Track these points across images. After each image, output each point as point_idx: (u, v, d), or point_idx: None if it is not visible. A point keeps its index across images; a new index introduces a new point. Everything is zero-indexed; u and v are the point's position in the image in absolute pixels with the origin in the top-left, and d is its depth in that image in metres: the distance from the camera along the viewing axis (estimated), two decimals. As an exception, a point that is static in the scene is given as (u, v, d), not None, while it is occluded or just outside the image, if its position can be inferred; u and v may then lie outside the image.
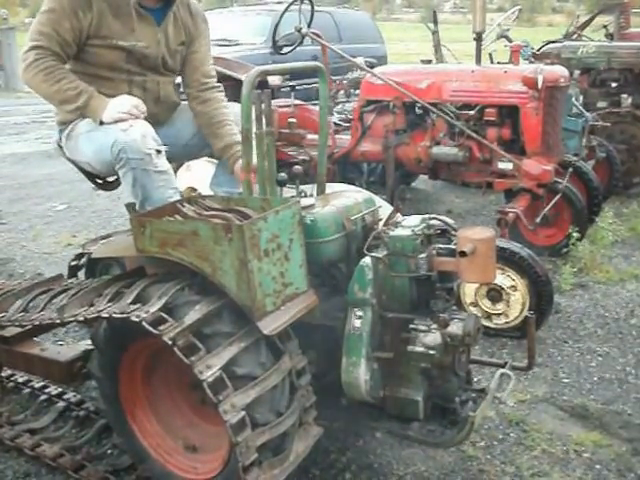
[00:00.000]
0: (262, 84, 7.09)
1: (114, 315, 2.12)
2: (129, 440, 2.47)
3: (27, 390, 3.17)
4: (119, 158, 2.71)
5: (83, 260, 3.53)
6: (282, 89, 5.77)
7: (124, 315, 2.08)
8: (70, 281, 3.01)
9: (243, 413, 1.98)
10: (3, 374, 3.26)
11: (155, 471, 2.44)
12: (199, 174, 4.88)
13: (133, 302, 2.13)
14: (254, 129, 2.38)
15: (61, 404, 3.04)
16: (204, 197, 2.53)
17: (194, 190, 4.93)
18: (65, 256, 4.77)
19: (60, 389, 3.13)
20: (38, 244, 5.61)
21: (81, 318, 2.30)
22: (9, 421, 2.94)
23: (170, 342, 1.97)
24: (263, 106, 2.39)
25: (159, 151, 2.73)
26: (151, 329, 1.99)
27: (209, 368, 1.97)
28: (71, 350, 2.86)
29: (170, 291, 2.11)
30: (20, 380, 3.24)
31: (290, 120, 5.28)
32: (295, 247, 2.21)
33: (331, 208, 2.44)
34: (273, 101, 5.62)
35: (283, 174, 2.54)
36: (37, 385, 3.18)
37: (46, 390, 3.15)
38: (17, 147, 10.14)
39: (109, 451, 2.73)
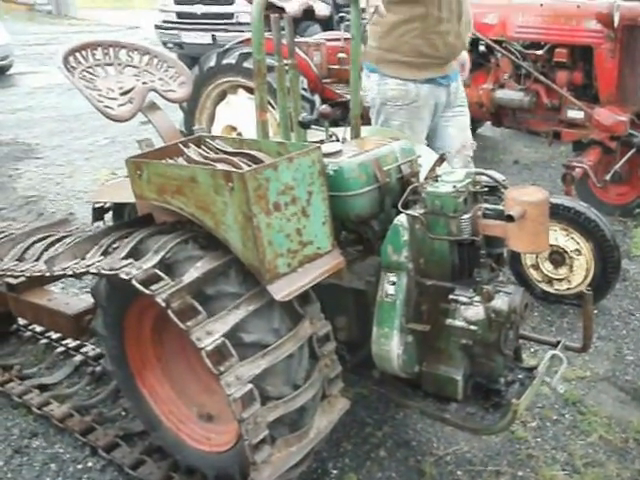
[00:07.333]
0: (308, 14, 6.67)
1: (102, 271, 1.89)
2: (139, 405, 2.28)
3: (44, 341, 3.01)
4: None
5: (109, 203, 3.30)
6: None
7: (113, 272, 1.84)
8: (74, 227, 2.77)
9: (250, 386, 1.74)
10: (20, 322, 3.11)
11: (167, 440, 2.24)
12: (240, 110, 4.56)
13: (127, 256, 1.89)
14: None
15: (78, 358, 2.87)
16: (214, 137, 2.23)
17: (234, 129, 4.64)
18: (101, 196, 4.56)
19: (78, 341, 2.94)
20: (74, 181, 5.38)
21: (70, 272, 2.07)
22: (20, 375, 2.78)
23: (164, 304, 1.72)
24: (284, 34, 2.13)
25: None
26: (142, 288, 1.75)
27: (209, 335, 1.72)
28: (80, 302, 2.65)
29: (169, 244, 1.86)
30: (37, 330, 3.08)
31: (340, 55, 4.87)
32: (316, 201, 1.91)
33: (361, 156, 2.11)
34: (321, 34, 5.27)
35: (306, 114, 2.24)
36: (55, 336, 3.01)
37: (63, 342, 2.98)
38: (64, 77, 9.96)
39: (123, 412, 2.55)
